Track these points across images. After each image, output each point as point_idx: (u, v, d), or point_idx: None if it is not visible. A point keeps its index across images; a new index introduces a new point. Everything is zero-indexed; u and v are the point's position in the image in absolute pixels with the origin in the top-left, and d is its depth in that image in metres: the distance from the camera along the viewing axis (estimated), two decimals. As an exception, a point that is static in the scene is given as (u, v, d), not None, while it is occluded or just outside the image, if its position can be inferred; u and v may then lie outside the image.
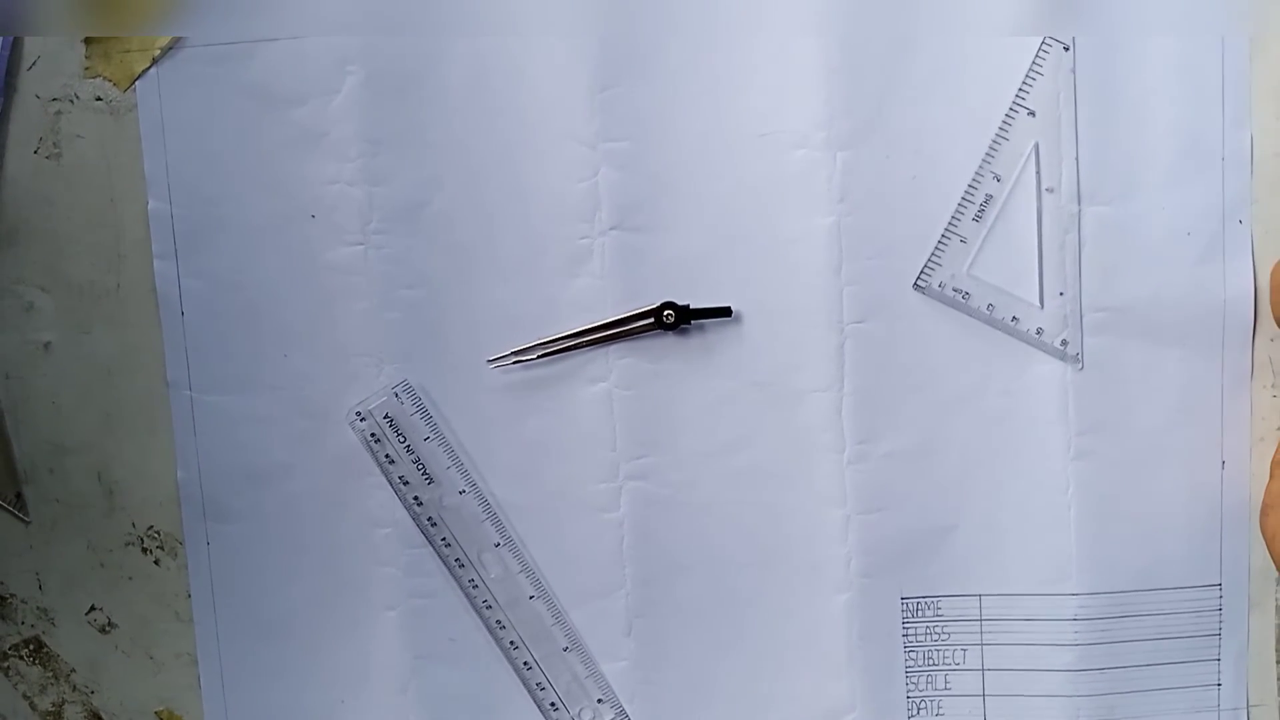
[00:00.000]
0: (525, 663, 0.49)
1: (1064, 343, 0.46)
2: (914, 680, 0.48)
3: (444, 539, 0.48)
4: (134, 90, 0.48)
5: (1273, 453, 0.45)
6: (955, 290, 0.46)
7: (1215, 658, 0.47)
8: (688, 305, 0.47)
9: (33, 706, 0.52)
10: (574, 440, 0.48)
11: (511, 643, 0.48)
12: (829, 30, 0.45)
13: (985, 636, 0.48)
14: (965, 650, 0.48)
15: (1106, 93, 0.45)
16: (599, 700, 0.49)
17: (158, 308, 0.49)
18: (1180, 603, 0.47)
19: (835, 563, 0.48)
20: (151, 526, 0.51)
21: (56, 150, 0.49)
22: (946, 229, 0.46)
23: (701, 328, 0.47)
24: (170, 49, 0.48)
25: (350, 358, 0.48)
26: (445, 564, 0.49)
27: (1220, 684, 0.47)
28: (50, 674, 0.52)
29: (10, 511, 0.51)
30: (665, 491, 0.48)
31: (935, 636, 0.48)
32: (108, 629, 0.51)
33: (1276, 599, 0.47)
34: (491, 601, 0.49)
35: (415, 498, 0.48)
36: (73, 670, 0.52)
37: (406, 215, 0.48)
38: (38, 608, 0.52)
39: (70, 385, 0.50)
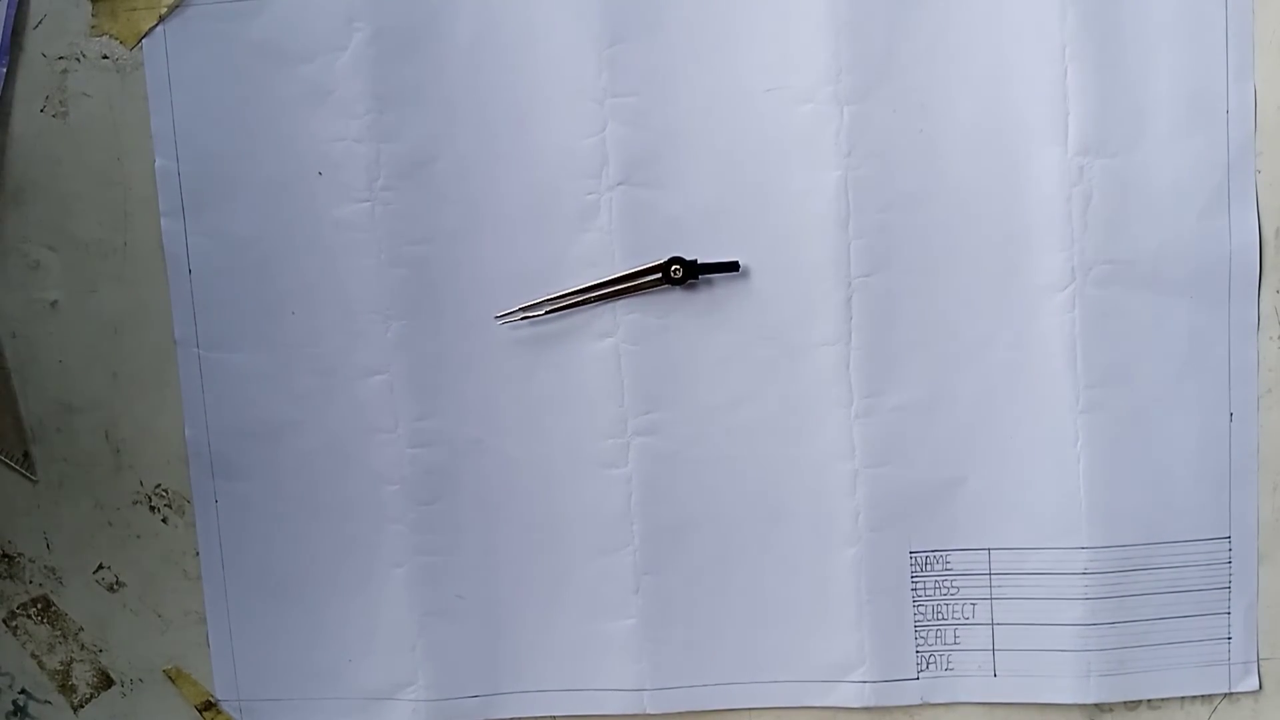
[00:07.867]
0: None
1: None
2: (923, 635, 0.48)
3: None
4: (141, 48, 0.48)
5: None
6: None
7: (1225, 611, 0.47)
8: (695, 260, 0.47)
9: (41, 665, 0.52)
10: (582, 396, 0.48)
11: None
12: (835, -17, 0.45)
13: (995, 590, 0.48)
14: (974, 604, 0.48)
15: (1111, 46, 0.45)
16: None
17: (165, 265, 0.49)
18: (1190, 556, 0.47)
19: (843, 517, 0.48)
20: (159, 485, 0.50)
21: (63, 109, 0.49)
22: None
23: (709, 282, 0.47)
24: (177, 6, 0.48)
25: (357, 314, 0.48)
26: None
27: (1230, 637, 0.47)
28: (58, 632, 0.52)
29: (18, 470, 0.51)
30: (673, 447, 0.48)
31: (944, 590, 0.48)
32: (116, 587, 0.51)
33: (1286, 550, 0.47)
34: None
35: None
36: (81, 629, 0.52)
37: (413, 172, 0.48)
38: (45, 566, 0.51)
39: (77, 344, 0.50)
